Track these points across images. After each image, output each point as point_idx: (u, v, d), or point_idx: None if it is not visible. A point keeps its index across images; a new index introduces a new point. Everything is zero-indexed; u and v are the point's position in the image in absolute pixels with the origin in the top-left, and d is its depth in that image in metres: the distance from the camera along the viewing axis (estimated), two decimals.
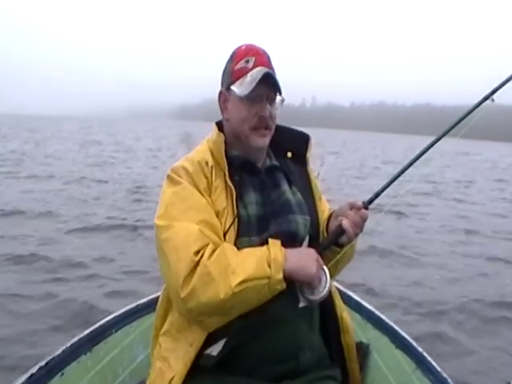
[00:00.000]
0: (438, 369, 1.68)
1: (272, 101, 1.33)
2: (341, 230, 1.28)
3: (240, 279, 1.12)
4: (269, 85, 1.29)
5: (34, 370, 1.52)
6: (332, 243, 1.32)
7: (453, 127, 1.37)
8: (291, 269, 1.18)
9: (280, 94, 1.33)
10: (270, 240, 1.22)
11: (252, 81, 1.26)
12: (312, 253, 1.25)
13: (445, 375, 1.64)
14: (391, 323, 2.03)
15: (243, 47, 1.34)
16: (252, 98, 1.29)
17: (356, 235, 1.29)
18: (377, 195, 1.34)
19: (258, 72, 1.27)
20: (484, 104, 1.40)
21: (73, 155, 18.11)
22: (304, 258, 1.22)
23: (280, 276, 1.15)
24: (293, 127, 1.51)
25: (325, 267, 1.26)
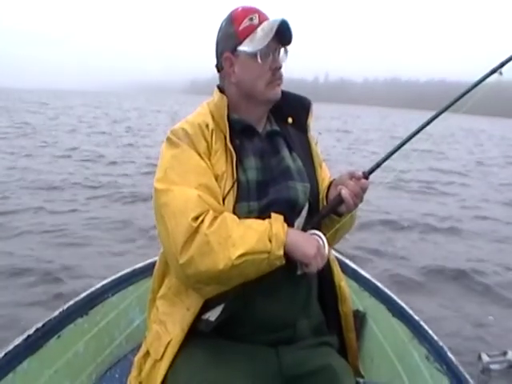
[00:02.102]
0: (435, 337, 1.68)
1: (279, 54, 1.31)
2: (340, 200, 1.27)
3: (240, 252, 1.11)
4: (279, 36, 1.27)
5: (30, 331, 1.53)
6: (330, 212, 1.31)
7: (458, 99, 1.35)
8: (291, 246, 1.17)
9: (290, 43, 1.32)
10: (272, 215, 1.21)
11: (267, 33, 1.24)
12: (315, 241, 1.24)
13: (441, 344, 1.64)
14: (388, 291, 2.01)
15: (239, 9, 1.32)
16: (264, 53, 1.27)
17: (356, 205, 1.28)
18: (378, 165, 1.31)
19: (270, 24, 1.25)
20: (492, 78, 1.36)
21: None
22: (305, 240, 1.21)
23: (280, 252, 1.14)
24: (294, 92, 1.47)
25: (323, 236, 1.25)
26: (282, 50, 1.32)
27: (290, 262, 1.20)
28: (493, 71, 1.35)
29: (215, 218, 1.16)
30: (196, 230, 1.13)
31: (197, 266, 1.12)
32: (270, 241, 1.14)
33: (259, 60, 1.27)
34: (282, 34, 1.27)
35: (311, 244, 1.21)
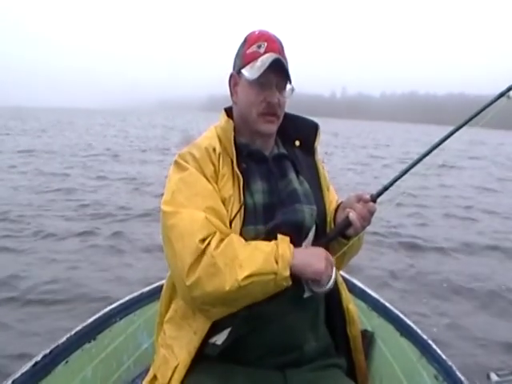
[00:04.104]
0: (444, 357, 1.67)
1: (282, 89, 1.33)
2: (347, 222, 1.27)
3: (246, 273, 1.11)
4: (279, 72, 1.29)
5: (38, 357, 1.53)
6: (338, 235, 1.32)
7: (465, 124, 1.36)
8: (298, 266, 1.17)
9: (290, 82, 1.33)
10: (279, 236, 1.21)
11: (262, 66, 1.27)
12: (321, 251, 1.24)
13: (450, 363, 1.63)
14: (396, 311, 2.02)
15: (256, 32, 1.34)
16: (261, 83, 1.29)
17: (363, 228, 1.28)
18: (385, 188, 1.31)
19: (268, 57, 1.27)
20: (501, 100, 1.38)
21: None
22: (313, 256, 1.22)
23: (287, 273, 1.15)
24: (302, 115, 1.50)
25: (331, 258, 1.25)
26: (289, 86, 1.34)
27: (297, 284, 1.21)
28: (501, 95, 1.38)
29: (222, 239, 1.17)
30: (203, 252, 1.14)
31: (203, 287, 1.12)
32: (277, 262, 1.15)
33: (254, 89, 1.30)
34: (279, 71, 1.29)
35: (319, 258, 1.21)
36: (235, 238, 1.18)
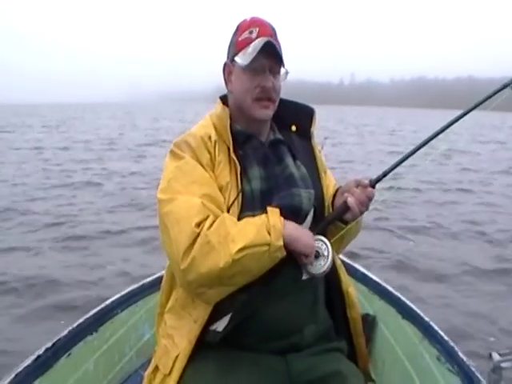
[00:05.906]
0: (445, 338, 1.68)
1: (276, 73, 1.32)
2: (346, 207, 1.27)
3: (239, 246, 1.11)
4: (271, 56, 1.28)
5: (40, 351, 1.53)
6: (336, 219, 1.32)
7: (466, 114, 1.37)
8: (290, 237, 1.18)
9: (283, 66, 1.32)
10: (268, 208, 1.22)
11: (253, 51, 1.26)
12: (308, 231, 1.26)
13: (452, 344, 1.64)
14: (397, 294, 2.03)
15: (248, 19, 1.34)
16: (254, 69, 1.28)
17: (361, 213, 1.29)
18: (385, 174, 1.31)
19: (259, 42, 1.27)
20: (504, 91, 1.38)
21: None
22: (300, 229, 1.23)
23: (280, 243, 1.15)
24: (297, 101, 1.49)
25: (327, 242, 1.26)
26: (283, 70, 1.34)
27: (295, 267, 1.22)
28: (504, 86, 1.38)
29: (214, 221, 1.17)
30: (198, 234, 1.14)
31: (198, 267, 1.12)
32: (269, 233, 1.15)
33: (248, 75, 1.29)
34: (272, 55, 1.28)
35: (307, 234, 1.23)
36: (227, 217, 1.19)
